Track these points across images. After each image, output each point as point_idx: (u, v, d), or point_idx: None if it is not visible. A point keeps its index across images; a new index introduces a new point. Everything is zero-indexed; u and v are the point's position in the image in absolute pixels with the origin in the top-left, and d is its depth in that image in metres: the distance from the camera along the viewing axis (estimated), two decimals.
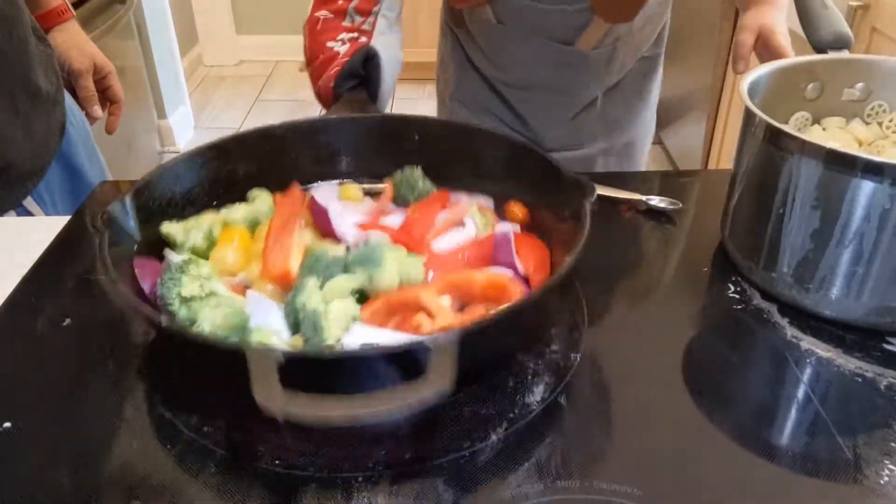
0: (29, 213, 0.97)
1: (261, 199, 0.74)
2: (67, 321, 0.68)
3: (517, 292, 0.61)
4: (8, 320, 0.69)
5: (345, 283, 0.59)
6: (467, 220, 0.72)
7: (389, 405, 0.46)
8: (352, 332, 0.57)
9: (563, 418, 0.57)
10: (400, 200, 0.77)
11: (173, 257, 0.62)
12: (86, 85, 1.09)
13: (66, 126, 1.04)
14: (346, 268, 0.61)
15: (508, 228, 0.69)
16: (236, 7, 3.95)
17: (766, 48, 0.94)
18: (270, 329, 0.57)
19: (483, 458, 0.54)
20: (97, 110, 1.11)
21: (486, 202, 0.77)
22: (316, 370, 0.51)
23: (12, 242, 0.82)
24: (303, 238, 0.69)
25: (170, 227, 0.68)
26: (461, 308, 0.62)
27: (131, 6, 2.52)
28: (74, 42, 1.09)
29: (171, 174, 0.72)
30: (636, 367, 0.63)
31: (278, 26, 3.94)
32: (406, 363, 0.49)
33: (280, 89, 3.75)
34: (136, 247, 0.65)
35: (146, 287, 0.61)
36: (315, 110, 0.97)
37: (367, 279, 0.60)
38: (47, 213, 1.00)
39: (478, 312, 0.61)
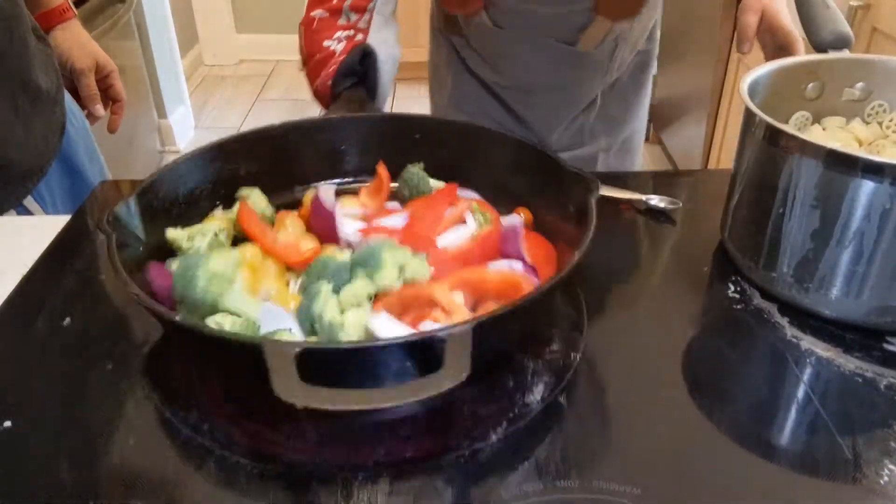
0: (29, 213, 0.97)
1: (255, 195, 0.75)
2: (68, 320, 0.68)
3: (531, 288, 0.61)
4: (8, 319, 0.69)
5: (361, 289, 0.59)
6: (468, 217, 0.72)
7: (407, 395, 0.47)
8: (371, 323, 0.57)
9: (562, 418, 0.57)
10: (402, 198, 0.77)
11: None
12: (88, 84, 1.09)
13: (66, 126, 1.04)
14: (350, 271, 0.61)
15: (516, 220, 0.70)
16: (236, 6, 3.95)
17: (770, 31, 0.94)
18: (284, 330, 0.57)
19: (483, 458, 0.54)
20: (99, 109, 1.11)
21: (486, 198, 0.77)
22: (334, 363, 0.51)
23: (12, 241, 0.82)
24: (294, 226, 0.71)
25: (175, 233, 0.68)
26: (474, 306, 0.63)
27: (131, 6, 2.53)
28: (76, 41, 1.09)
29: (173, 175, 0.72)
30: (636, 367, 0.63)
31: (278, 25, 3.94)
32: (423, 356, 0.49)
33: (280, 88, 3.75)
34: (141, 248, 0.65)
35: (159, 290, 0.61)
36: (315, 110, 0.97)
37: (370, 280, 0.60)
38: (47, 213, 1.00)
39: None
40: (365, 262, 0.60)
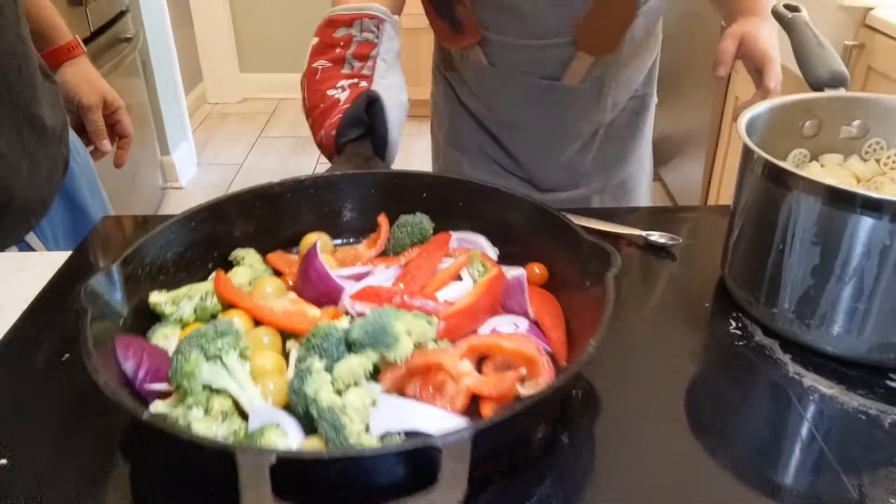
0: (31, 249, 0.98)
1: (251, 256, 0.73)
2: (67, 356, 0.68)
3: (545, 367, 0.58)
4: (8, 355, 0.69)
5: (357, 365, 0.56)
6: (463, 274, 0.70)
7: None
8: (375, 415, 0.54)
9: (563, 455, 0.57)
10: (397, 247, 0.75)
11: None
12: (95, 119, 1.10)
13: (70, 162, 1.05)
14: (351, 346, 0.58)
15: (520, 273, 0.67)
16: (240, 45, 4.01)
17: (749, 56, 0.95)
18: (276, 426, 0.53)
19: (483, 498, 0.53)
20: (106, 144, 1.12)
21: (490, 250, 0.75)
22: (319, 473, 0.47)
23: (13, 277, 0.82)
24: (276, 290, 0.68)
25: (157, 297, 0.64)
26: (478, 366, 0.61)
27: (137, 45, 2.56)
28: (85, 77, 1.10)
29: (160, 239, 0.67)
30: (638, 404, 0.63)
31: (281, 64, 3.99)
32: (417, 464, 0.46)
33: (283, 126, 3.78)
34: (122, 321, 0.60)
35: (129, 369, 0.56)
36: (312, 147, 0.95)
37: (380, 359, 0.57)
38: (49, 249, 1.00)
39: (495, 374, 0.59)
40: (375, 341, 0.56)
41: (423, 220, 0.76)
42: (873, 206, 0.60)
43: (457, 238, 0.76)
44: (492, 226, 0.76)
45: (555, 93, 1.07)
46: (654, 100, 1.22)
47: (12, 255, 0.91)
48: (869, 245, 0.61)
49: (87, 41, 2.15)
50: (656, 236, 0.85)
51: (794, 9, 0.90)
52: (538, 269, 0.72)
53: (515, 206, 0.74)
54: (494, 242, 0.76)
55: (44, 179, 0.98)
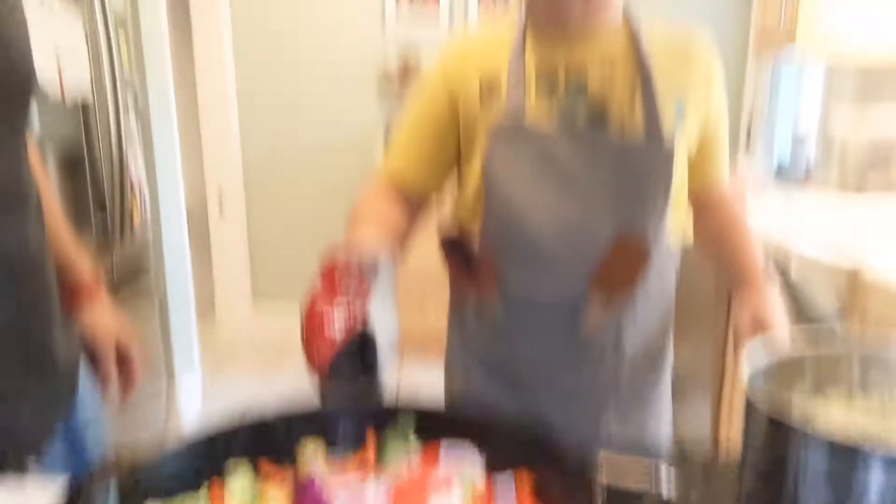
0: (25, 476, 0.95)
1: (242, 466, 0.75)
2: None
3: None
4: None
5: None
6: (454, 488, 0.72)
7: None
8: None
9: None
10: (384, 455, 0.78)
11: None
12: (106, 365, 1.11)
13: (76, 396, 1.05)
14: None
15: (509, 482, 0.71)
16: (255, 277, 4.15)
17: (759, 332, 0.98)
18: None
19: None
20: (111, 393, 1.12)
21: (476, 458, 0.77)
22: None
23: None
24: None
25: None
26: None
27: (155, 274, 2.65)
28: (101, 321, 1.12)
29: (154, 461, 0.72)
30: None
31: (295, 296, 4.11)
32: None
33: (294, 358, 3.80)
34: None
35: None
36: None
37: None
38: (41, 477, 0.97)
39: None
40: None
41: (406, 426, 0.79)
42: (883, 454, 0.60)
43: (444, 446, 0.78)
44: (477, 435, 0.78)
45: (573, 345, 1.10)
46: (670, 355, 1.23)
47: (7, 484, 0.88)
48: (882, 491, 0.60)
49: (107, 273, 2.23)
50: (664, 482, 0.82)
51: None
52: (523, 475, 0.73)
53: (502, 430, 0.77)
54: (480, 447, 0.78)
55: (50, 412, 0.97)
